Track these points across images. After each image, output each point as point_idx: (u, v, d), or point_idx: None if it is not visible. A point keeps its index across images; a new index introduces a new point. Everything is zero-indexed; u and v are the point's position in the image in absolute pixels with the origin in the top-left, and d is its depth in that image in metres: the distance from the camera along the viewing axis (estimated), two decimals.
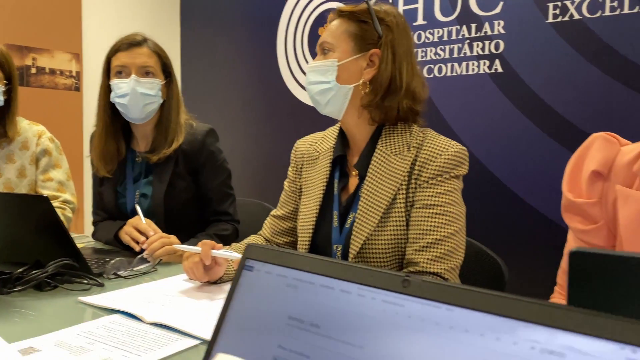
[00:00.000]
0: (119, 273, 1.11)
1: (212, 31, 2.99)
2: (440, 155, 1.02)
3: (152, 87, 1.40)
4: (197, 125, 1.50)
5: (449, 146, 1.03)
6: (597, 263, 0.49)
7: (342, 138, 1.15)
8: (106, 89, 1.43)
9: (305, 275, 0.41)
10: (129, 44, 1.40)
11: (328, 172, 1.13)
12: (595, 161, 0.87)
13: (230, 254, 1.00)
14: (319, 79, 1.08)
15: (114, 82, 1.39)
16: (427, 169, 1.02)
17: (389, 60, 1.04)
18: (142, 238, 1.29)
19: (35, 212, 1.06)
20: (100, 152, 1.45)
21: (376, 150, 1.07)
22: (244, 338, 0.42)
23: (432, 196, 1.01)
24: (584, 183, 0.88)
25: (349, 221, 1.07)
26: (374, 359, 0.35)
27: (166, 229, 1.36)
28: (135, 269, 1.16)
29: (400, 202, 1.03)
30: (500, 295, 0.32)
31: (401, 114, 1.07)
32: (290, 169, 1.25)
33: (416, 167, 1.03)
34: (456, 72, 1.99)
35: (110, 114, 1.44)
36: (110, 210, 1.47)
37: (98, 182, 1.52)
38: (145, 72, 1.40)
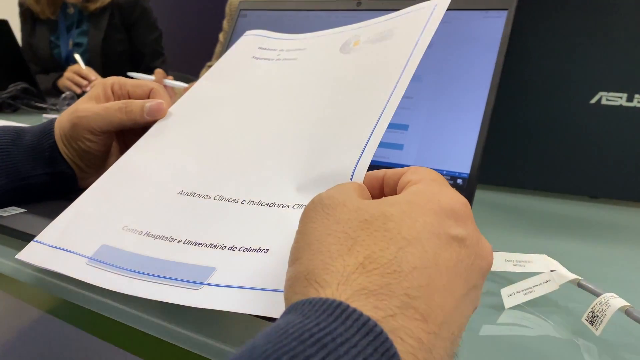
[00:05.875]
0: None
1: None
2: None
3: None
4: None
5: None
6: None
7: None
8: None
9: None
10: None
11: None
12: None
13: (182, 84, 1.15)
14: None
15: None
16: None
17: None
18: (84, 82, 1.38)
19: None
20: None
21: None
22: None
23: None
24: None
25: None
26: None
27: None
28: None
29: None
30: None
31: None
32: (225, 21, 1.39)
33: None
34: None
35: None
36: (44, 60, 1.52)
37: (28, 32, 1.54)
38: None
